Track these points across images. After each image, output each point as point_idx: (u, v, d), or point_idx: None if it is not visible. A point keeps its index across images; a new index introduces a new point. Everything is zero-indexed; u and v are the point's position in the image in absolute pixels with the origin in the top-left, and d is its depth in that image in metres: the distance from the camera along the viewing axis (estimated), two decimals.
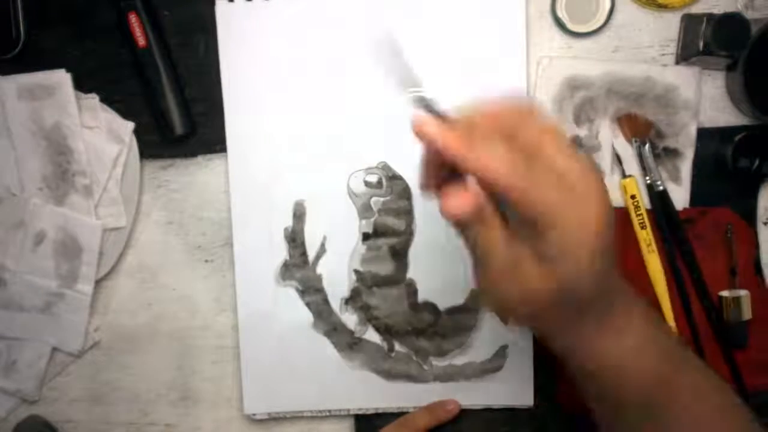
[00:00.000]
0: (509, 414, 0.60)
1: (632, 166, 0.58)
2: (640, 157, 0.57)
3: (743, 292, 0.57)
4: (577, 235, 0.37)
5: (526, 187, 0.36)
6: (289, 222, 0.59)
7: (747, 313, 0.57)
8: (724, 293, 0.57)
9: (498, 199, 0.39)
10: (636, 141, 0.57)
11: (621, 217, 0.58)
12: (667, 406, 0.43)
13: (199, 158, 0.60)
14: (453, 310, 0.59)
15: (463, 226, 0.40)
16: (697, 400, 0.44)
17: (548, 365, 0.59)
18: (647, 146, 0.57)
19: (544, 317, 0.40)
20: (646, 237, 0.57)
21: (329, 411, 0.60)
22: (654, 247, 0.57)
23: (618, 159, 0.58)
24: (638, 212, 0.57)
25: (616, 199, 0.58)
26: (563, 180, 0.36)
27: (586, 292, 0.39)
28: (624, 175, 0.58)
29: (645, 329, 0.43)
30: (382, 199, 0.59)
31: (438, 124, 0.38)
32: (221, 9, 0.58)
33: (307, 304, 0.60)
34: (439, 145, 0.37)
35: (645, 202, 0.58)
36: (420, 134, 0.38)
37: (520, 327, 0.44)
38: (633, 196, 0.57)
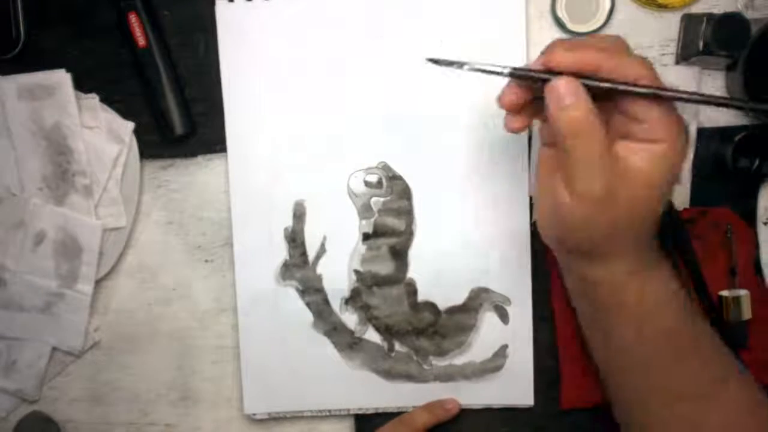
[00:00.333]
0: (509, 414, 0.60)
1: None
2: None
3: (743, 292, 0.57)
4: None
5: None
6: (289, 222, 0.59)
7: (747, 313, 0.57)
8: (724, 293, 0.57)
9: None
10: None
11: None
12: (686, 354, 0.46)
13: (199, 158, 0.60)
14: (453, 310, 0.59)
15: (573, 131, 0.41)
16: (715, 353, 0.47)
17: (549, 365, 0.59)
18: None
19: (594, 240, 0.43)
20: None
21: (329, 411, 0.60)
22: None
23: None
24: None
25: None
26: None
27: (639, 221, 0.42)
28: None
29: (674, 273, 0.46)
30: (382, 199, 0.59)
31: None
32: (221, 9, 0.58)
33: (307, 304, 0.60)
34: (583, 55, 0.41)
35: None
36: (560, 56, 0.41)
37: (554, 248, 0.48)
38: None
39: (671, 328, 0.45)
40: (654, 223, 0.44)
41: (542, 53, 0.42)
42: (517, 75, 0.42)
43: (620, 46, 0.42)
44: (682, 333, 0.46)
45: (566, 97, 0.40)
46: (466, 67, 0.44)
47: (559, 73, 0.41)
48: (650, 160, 0.41)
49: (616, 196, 0.41)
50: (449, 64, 0.45)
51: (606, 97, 0.41)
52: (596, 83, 0.40)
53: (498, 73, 0.43)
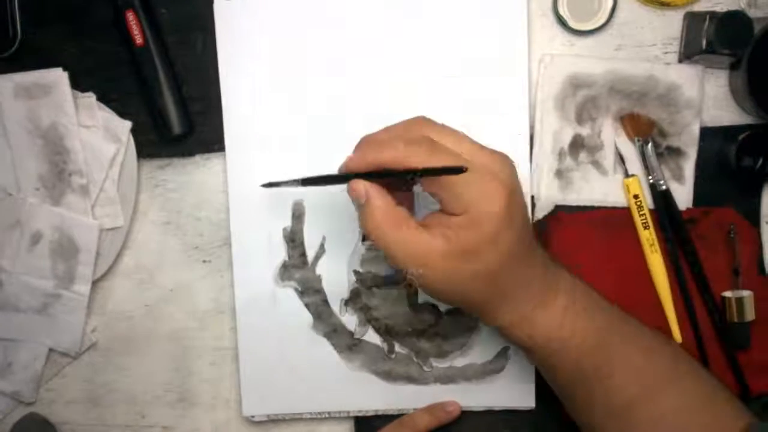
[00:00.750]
0: (510, 416, 0.60)
1: (635, 165, 0.57)
2: (643, 156, 0.57)
3: (746, 293, 0.56)
4: (481, 207, 0.43)
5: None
6: (288, 222, 0.59)
7: (750, 314, 0.56)
8: (727, 294, 0.57)
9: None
10: (638, 140, 0.57)
11: (623, 216, 0.57)
12: (601, 376, 0.47)
13: (197, 158, 0.60)
14: (454, 311, 0.59)
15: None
16: (635, 369, 0.47)
17: None
18: (650, 145, 0.57)
19: (471, 297, 0.46)
20: (649, 237, 0.57)
21: (329, 413, 0.60)
22: (657, 247, 0.57)
23: (621, 158, 0.57)
24: (641, 212, 0.57)
25: (620, 198, 0.58)
26: (469, 163, 0.43)
27: (497, 273, 0.44)
28: (627, 175, 0.57)
29: (571, 306, 0.47)
30: None
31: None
32: (219, 7, 0.58)
33: (307, 305, 0.59)
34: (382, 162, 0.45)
35: (648, 201, 0.57)
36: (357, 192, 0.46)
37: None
38: (636, 196, 0.57)
39: (575, 359, 0.47)
40: (525, 269, 0.46)
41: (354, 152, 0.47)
42: (311, 182, 0.48)
43: (409, 138, 0.45)
44: (590, 359, 0.47)
45: (361, 196, 0.45)
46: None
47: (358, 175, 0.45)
48: (461, 230, 0.43)
49: (451, 262, 0.44)
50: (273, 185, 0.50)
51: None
52: (377, 177, 0.45)
53: (293, 183, 0.48)
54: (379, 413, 0.60)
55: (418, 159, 0.43)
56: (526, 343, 0.47)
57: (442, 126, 0.46)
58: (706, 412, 0.47)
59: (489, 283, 0.45)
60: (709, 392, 0.48)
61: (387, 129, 0.47)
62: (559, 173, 0.58)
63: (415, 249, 0.44)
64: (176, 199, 0.60)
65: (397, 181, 0.47)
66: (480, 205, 0.43)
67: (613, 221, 0.57)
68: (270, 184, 0.50)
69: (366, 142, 0.47)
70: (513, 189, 0.44)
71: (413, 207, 0.51)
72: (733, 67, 0.57)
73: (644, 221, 0.57)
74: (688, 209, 0.57)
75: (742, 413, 0.47)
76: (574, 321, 0.47)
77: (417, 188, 0.48)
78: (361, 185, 0.45)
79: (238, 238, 0.59)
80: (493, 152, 0.45)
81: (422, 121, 0.46)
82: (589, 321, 0.47)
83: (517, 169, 0.46)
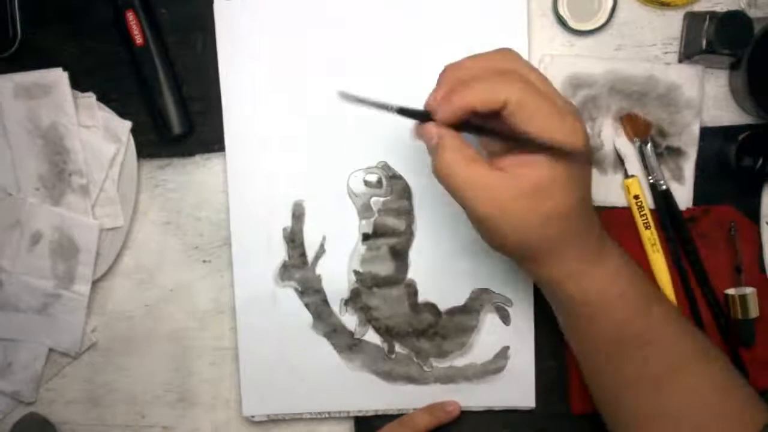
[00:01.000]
0: (510, 416, 0.60)
1: (635, 165, 0.57)
2: (642, 156, 0.57)
3: (749, 290, 0.56)
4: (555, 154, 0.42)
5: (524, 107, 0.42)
6: (288, 222, 0.59)
7: (754, 311, 0.56)
8: (730, 291, 0.57)
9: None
10: (637, 141, 0.57)
11: (624, 216, 0.57)
12: (640, 343, 0.47)
13: (197, 158, 0.60)
14: (454, 311, 0.59)
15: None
16: (672, 341, 0.48)
17: (550, 366, 0.59)
18: (649, 146, 0.57)
19: (536, 243, 0.45)
20: (650, 237, 0.57)
21: (329, 413, 0.60)
22: (659, 246, 0.57)
23: (620, 158, 0.57)
24: (642, 212, 0.57)
25: (620, 198, 0.58)
26: (554, 106, 0.43)
27: (565, 215, 0.44)
28: (627, 175, 0.57)
29: (622, 268, 0.47)
30: (382, 198, 0.58)
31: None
32: (219, 7, 0.58)
33: (307, 305, 0.59)
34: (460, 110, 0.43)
35: (649, 201, 0.57)
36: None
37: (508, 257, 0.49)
38: (636, 196, 0.57)
39: (621, 320, 0.47)
40: (587, 220, 0.46)
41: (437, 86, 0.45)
42: (402, 112, 0.46)
43: (499, 65, 0.44)
44: (633, 324, 0.47)
45: (432, 138, 0.44)
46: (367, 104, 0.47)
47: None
48: (537, 167, 0.43)
49: (522, 203, 0.43)
50: (357, 100, 0.47)
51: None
52: (467, 130, 0.44)
53: (387, 109, 0.46)
54: (379, 413, 0.60)
55: (512, 95, 0.42)
56: (576, 297, 0.47)
57: (525, 62, 0.45)
58: (734, 398, 0.47)
59: (556, 227, 0.44)
60: (735, 380, 0.48)
61: (466, 60, 0.45)
62: None
63: (486, 187, 0.43)
64: (176, 199, 0.60)
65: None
66: (560, 141, 0.42)
67: (614, 221, 0.57)
68: (346, 95, 0.47)
69: (450, 76, 0.45)
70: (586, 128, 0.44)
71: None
72: (733, 67, 0.57)
73: (645, 221, 0.57)
74: (688, 208, 0.57)
75: (759, 402, 0.48)
76: (623, 283, 0.47)
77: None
78: (433, 128, 0.44)
79: (238, 238, 0.59)
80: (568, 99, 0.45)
81: (506, 50, 0.45)
82: (636, 286, 0.47)
83: None
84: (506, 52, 0.45)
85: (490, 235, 0.45)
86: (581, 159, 0.43)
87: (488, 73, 0.44)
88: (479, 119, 0.44)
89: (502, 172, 0.43)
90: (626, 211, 0.58)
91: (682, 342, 0.48)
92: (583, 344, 0.50)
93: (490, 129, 0.44)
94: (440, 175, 0.44)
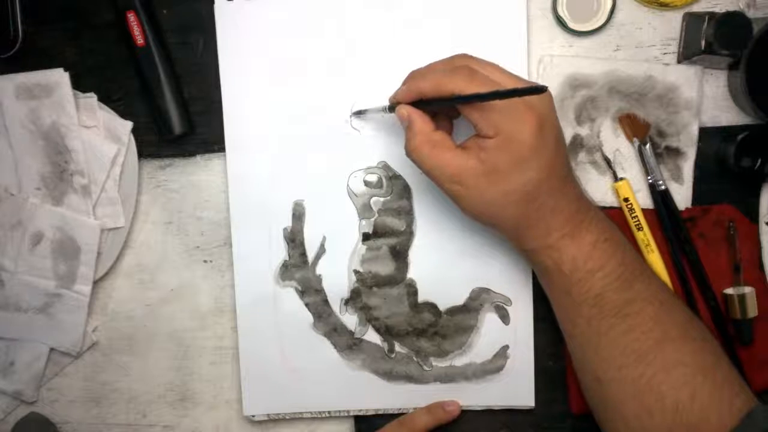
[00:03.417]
0: (510, 415, 0.60)
1: (634, 165, 0.57)
2: (641, 156, 0.57)
3: (748, 289, 0.57)
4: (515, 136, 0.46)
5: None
6: (288, 222, 0.59)
7: (753, 310, 0.56)
8: (729, 291, 0.57)
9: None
10: (636, 141, 0.57)
11: (619, 219, 0.57)
12: (621, 315, 0.49)
13: (198, 158, 0.60)
14: (454, 311, 0.59)
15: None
16: (654, 317, 0.49)
17: (550, 366, 0.59)
18: (648, 146, 0.57)
19: (502, 218, 0.49)
20: (643, 238, 0.57)
21: (329, 412, 0.60)
22: (653, 246, 0.57)
23: (607, 161, 0.57)
24: (633, 215, 0.57)
25: (612, 201, 0.58)
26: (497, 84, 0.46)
27: (530, 194, 0.47)
28: (616, 179, 0.57)
29: (602, 243, 0.49)
30: (382, 198, 0.59)
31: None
32: (220, 8, 0.58)
33: (307, 305, 0.59)
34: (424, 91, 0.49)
35: (646, 202, 0.57)
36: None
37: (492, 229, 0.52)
38: (626, 199, 0.57)
39: (598, 293, 0.49)
40: (558, 198, 0.48)
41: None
42: (390, 108, 0.52)
43: (451, 67, 0.49)
44: (610, 297, 0.49)
45: (404, 117, 0.50)
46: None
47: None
48: (493, 151, 0.47)
49: (482, 180, 0.47)
50: (366, 112, 0.57)
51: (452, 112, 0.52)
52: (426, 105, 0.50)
53: (385, 111, 0.54)
54: (379, 413, 0.60)
55: (457, 85, 0.47)
56: (551, 268, 0.50)
57: (483, 60, 0.49)
58: (717, 378, 0.48)
59: (518, 206, 0.48)
60: (719, 361, 0.49)
61: (431, 63, 0.51)
62: None
63: (451, 167, 0.48)
64: (177, 199, 0.60)
65: (444, 110, 0.51)
66: (511, 131, 0.46)
67: (613, 221, 0.57)
68: (359, 112, 0.57)
69: (412, 75, 0.51)
70: (544, 119, 0.47)
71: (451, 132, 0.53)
72: (731, 67, 0.57)
73: (637, 223, 0.57)
74: (687, 208, 0.57)
75: (742, 386, 0.48)
76: (601, 256, 0.49)
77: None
78: (404, 110, 0.50)
79: (238, 238, 0.59)
80: (531, 83, 0.48)
81: (463, 54, 0.50)
82: (616, 259, 0.49)
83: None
84: (462, 55, 0.50)
85: (462, 208, 0.50)
86: (529, 92, 0.44)
87: (442, 66, 0.50)
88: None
89: (465, 154, 0.48)
90: (618, 212, 0.58)
91: (666, 319, 0.49)
92: (563, 311, 0.52)
93: (441, 99, 0.48)
94: (411, 157, 0.50)
